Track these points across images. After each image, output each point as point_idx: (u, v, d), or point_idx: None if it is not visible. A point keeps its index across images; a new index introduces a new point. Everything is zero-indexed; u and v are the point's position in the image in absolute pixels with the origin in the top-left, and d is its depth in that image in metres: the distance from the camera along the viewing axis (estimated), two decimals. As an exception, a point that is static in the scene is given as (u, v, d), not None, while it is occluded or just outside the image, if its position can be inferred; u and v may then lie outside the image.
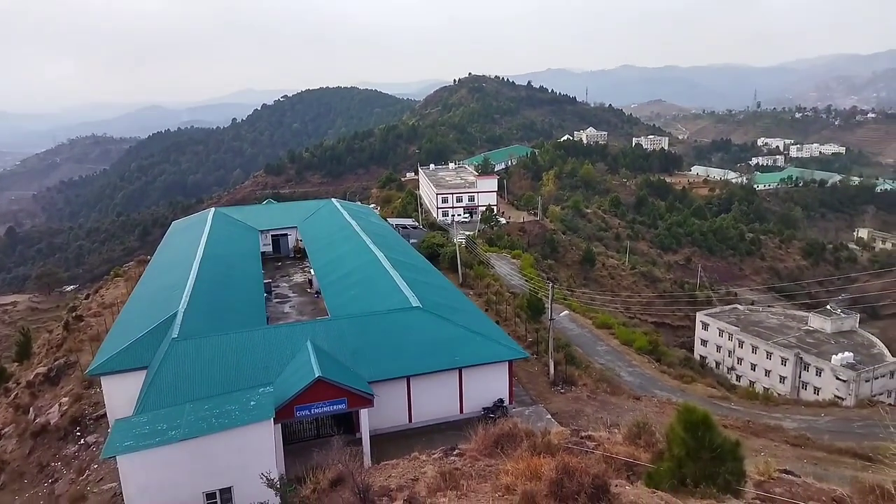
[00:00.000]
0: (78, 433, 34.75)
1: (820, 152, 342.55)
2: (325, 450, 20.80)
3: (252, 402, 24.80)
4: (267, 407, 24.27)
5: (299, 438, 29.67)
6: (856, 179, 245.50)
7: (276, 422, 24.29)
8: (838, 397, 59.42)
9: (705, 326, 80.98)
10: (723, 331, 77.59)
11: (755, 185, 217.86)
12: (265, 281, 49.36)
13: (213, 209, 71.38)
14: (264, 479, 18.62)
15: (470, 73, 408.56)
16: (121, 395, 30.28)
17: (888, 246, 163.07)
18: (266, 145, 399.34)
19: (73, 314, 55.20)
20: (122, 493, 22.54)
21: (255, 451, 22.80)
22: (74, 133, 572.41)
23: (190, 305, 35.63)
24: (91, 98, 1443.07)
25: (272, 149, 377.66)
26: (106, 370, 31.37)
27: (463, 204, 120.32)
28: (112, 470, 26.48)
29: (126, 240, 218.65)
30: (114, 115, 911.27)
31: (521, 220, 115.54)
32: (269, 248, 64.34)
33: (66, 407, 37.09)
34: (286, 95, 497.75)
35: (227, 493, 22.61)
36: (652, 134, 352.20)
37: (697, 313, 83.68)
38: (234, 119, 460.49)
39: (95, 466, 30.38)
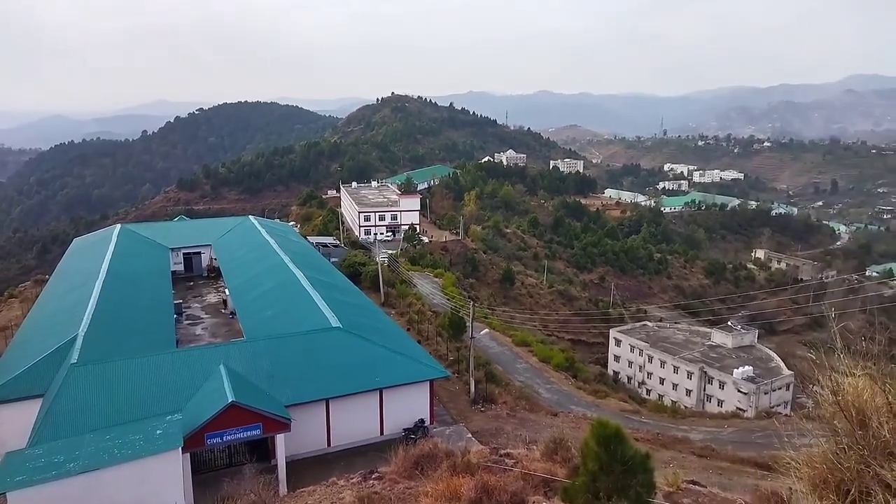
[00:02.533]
0: (-40, 469, 31.72)
1: (721, 178, 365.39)
2: (238, 479, 19.99)
3: (158, 431, 23.51)
4: (174, 436, 23.08)
5: (210, 468, 28.33)
6: (753, 204, 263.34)
7: (184, 451, 23.12)
8: (740, 409, 62.89)
9: (618, 343, 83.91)
10: (634, 346, 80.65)
11: (662, 208, 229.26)
12: (175, 301, 47.27)
13: (118, 225, 67.87)
14: (171, 511, 17.65)
15: (393, 93, 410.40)
16: (13, 425, 28.02)
17: (783, 266, 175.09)
18: (179, 159, 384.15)
19: (-42, 339, 50.62)
20: (9, 533, 20.70)
21: (160, 483, 21.60)
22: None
23: (91, 328, 33.57)
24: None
25: (186, 163, 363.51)
26: (-5, 399, 28.99)
27: (385, 223, 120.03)
28: (-1, 508, 24.30)
29: (23, 258, 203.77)
30: (12, 125, 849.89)
31: (444, 240, 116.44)
32: (181, 267, 61.75)
33: (-54, 441, 33.81)
34: (202, 108, 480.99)
35: (129, 528, 21.23)
36: (568, 157, 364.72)
37: (610, 330, 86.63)
38: (145, 131, 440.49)
39: (-20, 505, 27.80)
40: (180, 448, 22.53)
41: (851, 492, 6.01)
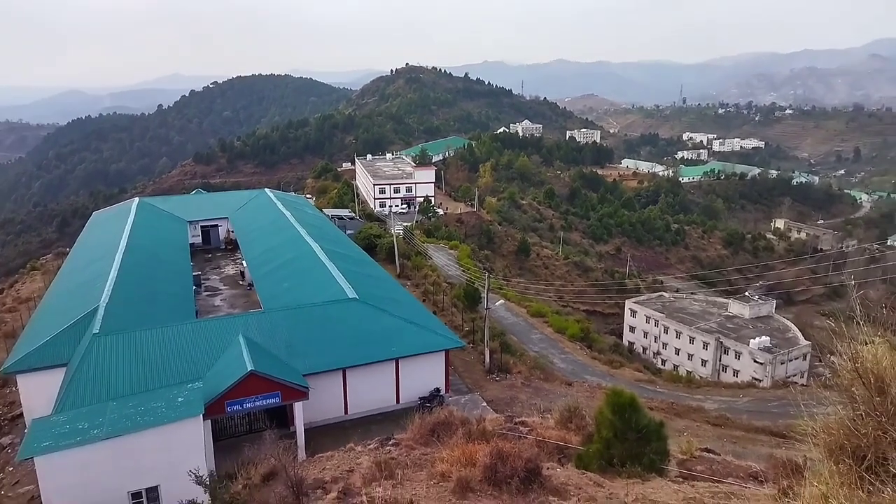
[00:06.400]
0: (-10, 435, 32.70)
1: (741, 146, 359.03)
2: (258, 445, 20.36)
3: (180, 399, 24.02)
4: (196, 403, 23.56)
5: (231, 434, 28.99)
6: (774, 173, 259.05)
7: (205, 418, 23.64)
8: (756, 379, 62.75)
9: (633, 313, 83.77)
10: (649, 317, 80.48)
11: (680, 178, 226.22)
12: (194, 273, 47.79)
13: (137, 199, 68.46)
14: (193, 476, 18.06)
15: (407, 64, 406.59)
16: (38, 393, 28.75)
17: (803, 235, 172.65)
18: (195, 133, 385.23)
19: (-16, 310, 51.76)
20: (39, 495, 21.42)
21: (183, 449, 22.11)
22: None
23: (112, 299, 34.10)
24: (3, 81, 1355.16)
25: (202, 137, 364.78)
26: (22, 368, 29.77)
27: (400, 195, 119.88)
28: (29, 472, 25.09)
29: (43, 231, 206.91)
30: (30, 100, 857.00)
31: (459, 212, 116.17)
32: (199, 240, 62.28)
33: (-24, 409, 34.80)
34: (216, 82, 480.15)
35: (153, 491, 21.88)
36: (585, 127, 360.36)
37: (626, 301, 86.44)
38: (161, 105, 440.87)
39: (10, 469, 28.70)
40: (201, 415, 23.01)
41: (868, 457, 5.99)
